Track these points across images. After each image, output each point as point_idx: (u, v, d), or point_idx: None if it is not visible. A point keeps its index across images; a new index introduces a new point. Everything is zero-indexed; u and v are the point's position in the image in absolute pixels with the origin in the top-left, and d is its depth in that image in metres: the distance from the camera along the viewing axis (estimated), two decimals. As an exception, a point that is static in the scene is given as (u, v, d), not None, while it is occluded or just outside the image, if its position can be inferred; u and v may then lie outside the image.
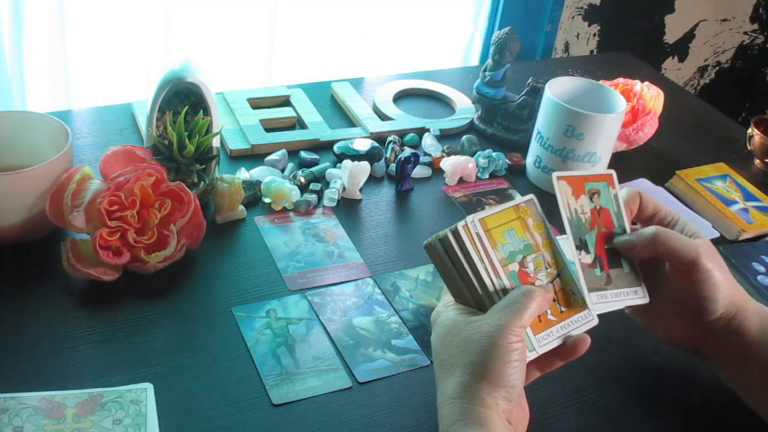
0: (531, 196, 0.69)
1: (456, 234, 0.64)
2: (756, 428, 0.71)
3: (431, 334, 0.67)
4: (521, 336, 0.61)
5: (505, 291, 0.64)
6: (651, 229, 0.68)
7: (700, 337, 0.71)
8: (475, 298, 0.65)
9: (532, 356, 0.63)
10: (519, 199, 0.68)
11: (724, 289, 0.68)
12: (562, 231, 0.68)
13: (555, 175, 0.68)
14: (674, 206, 1.04)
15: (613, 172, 0.72)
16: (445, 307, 0.67)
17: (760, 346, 0.69)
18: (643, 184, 1.06)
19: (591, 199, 0.69)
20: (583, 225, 0.68)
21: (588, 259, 0.68)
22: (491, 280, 0.64)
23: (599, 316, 0.68)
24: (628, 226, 0.71)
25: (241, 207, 0.91)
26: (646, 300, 0.70)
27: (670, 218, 0.72)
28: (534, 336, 0.64)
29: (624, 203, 0.71)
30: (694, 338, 0.72)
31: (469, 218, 0.64)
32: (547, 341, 0.65)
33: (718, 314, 0.69)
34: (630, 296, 0.69)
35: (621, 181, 1.04)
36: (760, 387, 0.70)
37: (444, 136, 1.12)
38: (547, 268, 0.67)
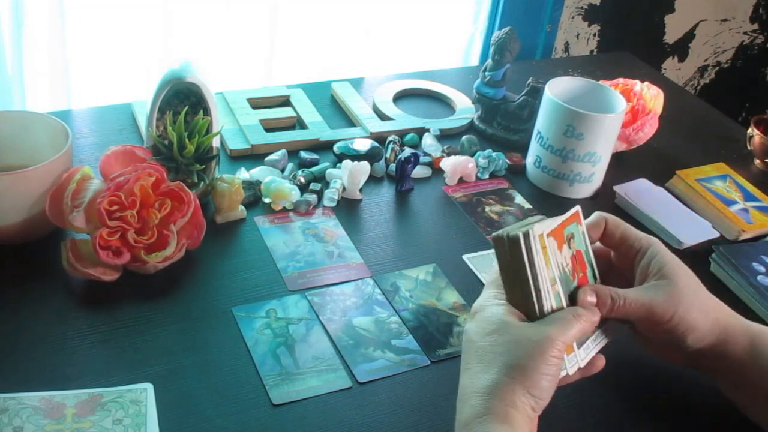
0: (577, 207, 0.68)
1: (527, 238, 0.63)
2: (755, 429, 0.71)
3: (469, 322, 0.66)
4: (562, 352, 0.61)
5: (560, 304, 0.65)
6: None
7: (690, 359, 0.72)
8: (527, 304, 0.64)
9: (570, 371, 0.64)
10: (573, 212, 0.67)
11: (698, 325, 0.67)
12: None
13: (544, 233, 0.64)
14: (674, 206, 1.04)
15: (578, 208, 0.69)
16: (491, 302, 0.66)
17: (749, 367, 0.69)
18: (643, 184, 1.06)
19: (569, 245, 0.67)
20: (569, 278, 0.67)
21: None
22: (548, 293, 0.64)
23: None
24: (594, 261, 0.70)
25: (241, 207, 0.91)
26: (611, 336, 0.69)
27: (640, 246, 0.69)
28: (577, 349, 0.65)
29: (587, 228, 0.70)
30: (686, 360, 0.72)
31: (538, 229, 0.63)
32: (587, 353, 0.67)
33: (699, 346, 0.69)
34: (602, 337, 0.69)
35: (621, 181, 1.06)
36: (754, 401, 0.71)
37: (444, 136, 1.12)
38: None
